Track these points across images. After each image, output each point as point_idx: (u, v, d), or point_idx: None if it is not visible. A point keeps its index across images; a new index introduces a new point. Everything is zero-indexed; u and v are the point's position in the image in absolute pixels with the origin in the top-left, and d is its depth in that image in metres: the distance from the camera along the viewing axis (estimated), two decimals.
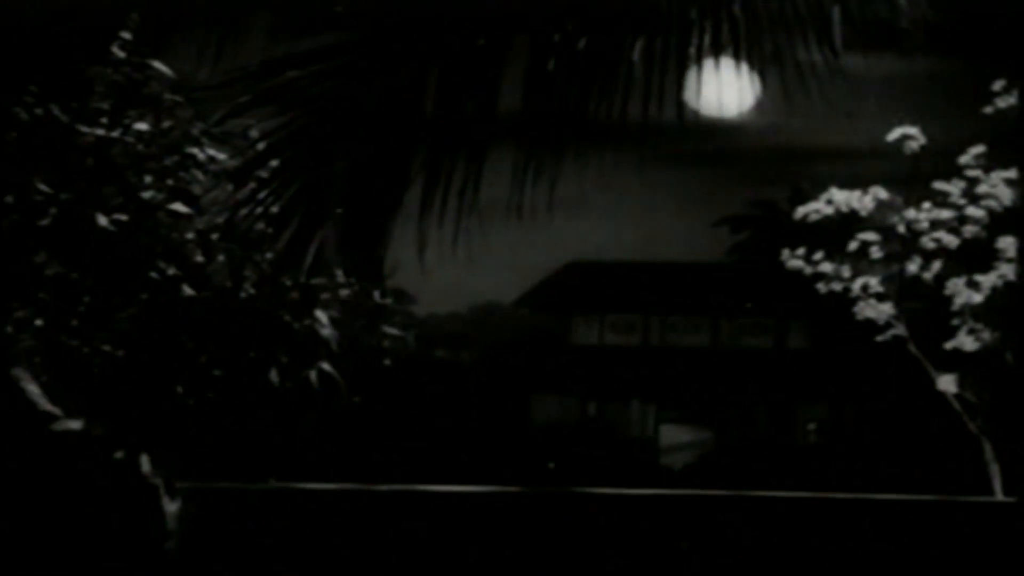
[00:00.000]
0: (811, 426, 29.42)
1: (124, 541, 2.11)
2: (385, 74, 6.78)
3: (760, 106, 6.81)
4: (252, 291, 11.22)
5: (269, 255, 11.00)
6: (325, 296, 11.03)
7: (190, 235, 10.10)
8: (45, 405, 2.12)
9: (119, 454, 2.12)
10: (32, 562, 2.10)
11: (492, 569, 4.23)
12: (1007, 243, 5.88)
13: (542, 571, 4.23)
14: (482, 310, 34.48)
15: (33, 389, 2.14)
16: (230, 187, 9.94)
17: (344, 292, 12.25)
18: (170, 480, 2.12)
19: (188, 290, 10.27)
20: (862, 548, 4.24)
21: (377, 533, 4.30)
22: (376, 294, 12.37)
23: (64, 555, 2.11)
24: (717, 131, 7.34)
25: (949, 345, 6.12)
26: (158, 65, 9.04)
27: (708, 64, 6.71)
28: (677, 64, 6.74)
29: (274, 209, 7.27)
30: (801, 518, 4.40)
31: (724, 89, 6.71)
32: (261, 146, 7.98)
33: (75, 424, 2.13)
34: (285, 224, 7.07)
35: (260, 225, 9.35)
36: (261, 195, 7.64)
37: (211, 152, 9.73)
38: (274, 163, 7.10)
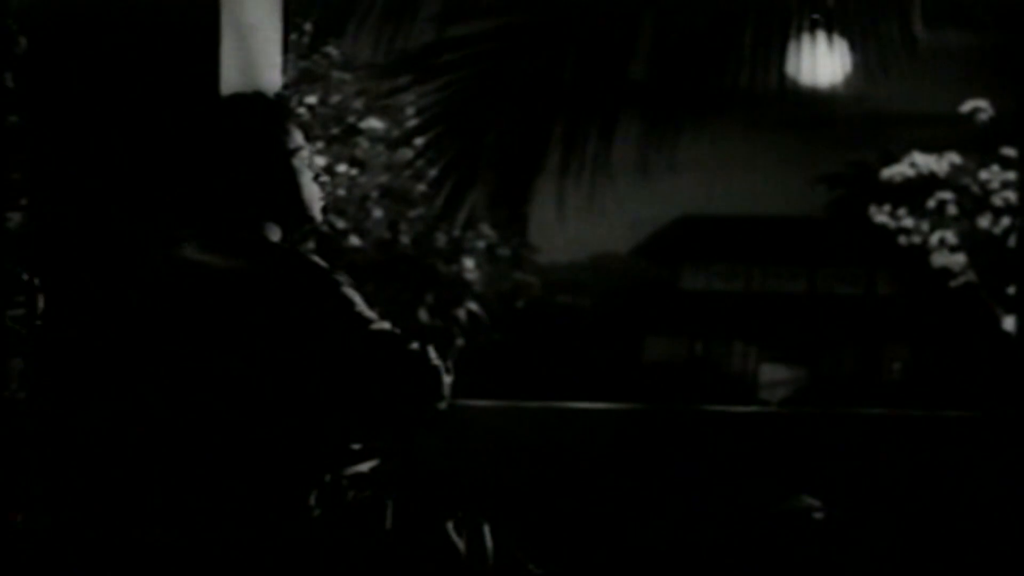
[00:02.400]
0: (896, 364, 29.32)
1: (421, 401, 2.64)
2: (529, 55, 7.13)
3: (852, 76, 7.06)
4: (407, 242, 11.74)
5: (421, 211, 11.49)
6: (471, 246, 11.53)
7: (356, 193, 10.62)
8: (367, 312, 2.60)
9: (415, 345, 2.62)
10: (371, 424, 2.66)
11: (619, 468, 4.54)
12: None
13: (662, 469, 4.56)
14: (600, 259, 34.54)
15: (359, 300, 2.61)
16: (389, 153, 10.38)
17: (482, 243, 12.70)
18: (447, 362, 2.60)
19: (355, 240, 10.81)
20: (933, 455, 4.52)
21: (524, 440, 4.65)
22: (512, 245, 12.82)
23: (388, 414, 2.65)
24: (815, 99, 7.59)
25: (1011, 290, 6.34)
26: (329, 48, 9.51)
27: (806, 40, 6.98)
28: (780, 41, 7.02)
29: (432, 173, 7.67)
30: (882, 432, 4.68)
31: (820, 62, 6.98)
32: (414, 119, 8.35)
33: (385, 324, 2.60)
34: (441, 186, 7.49)
35: (418, 186, 9.73)
36: (419, 161, 8.03)
37: (373, 123, 10.23)
38: (431, 133, 7.49)
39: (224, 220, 2.69)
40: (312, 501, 2.55)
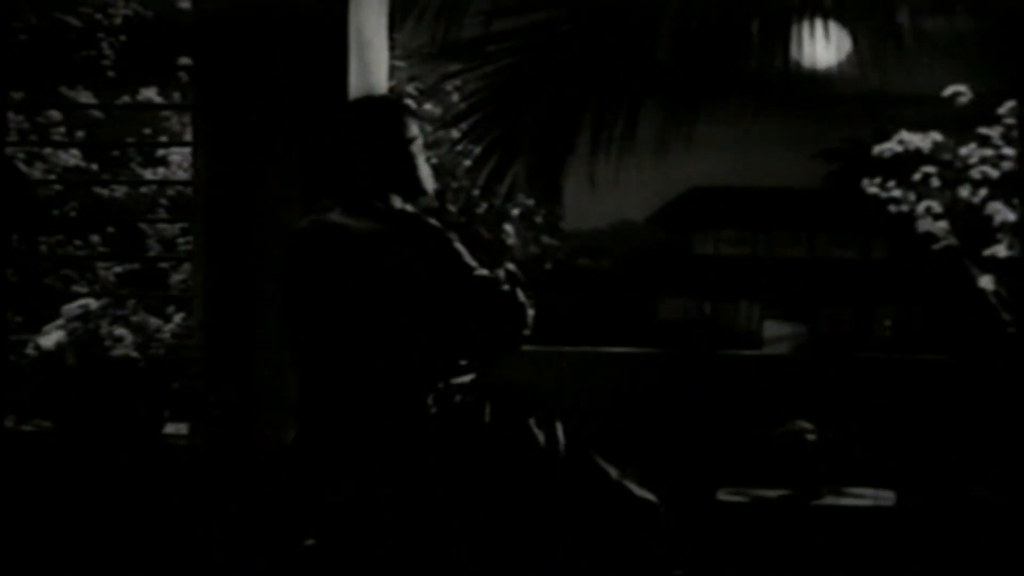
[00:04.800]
0: (887, 322, 29.37)
1: (511, 328, 3.06)
2: (563, 47, 7.40)
3: (848, 61, 7.27)
4: (453, 210, 12.05)
5: (465, 183, 11.73)
6: (508, 214, 11.79)
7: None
8: (471, 261, 3.05)
9: (506, 287, 3.04)
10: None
11: (645, 400, 4.80)
12: None
13: (682, 401, 4.81)
14: (619, 227, 34.59)
15: (465, 252, 3.04)
16: (437, 132, 10.58)
17: (517, 211, 12.92)
18: (530, 300, 3.04)
19: (407, 208, 11.08)
20: (910, 390, 4.76)
21: (560, 377, 4.85)
22: (543, 213, 13.01)
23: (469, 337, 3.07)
24: (815, 81, 7.78)
25: (987, 252, 6.49)
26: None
27: (807, 29, 7.20)
28: (783, 31, 7.25)
29: (476, 150, 7.94)
30: (867, 372, 4.93)
31: (819, 48, 7.20)
32: (458, 102, 8.57)
33: (485, 271, 3.03)
34: (485, 162, 7.77)
35: (464, 162, 9.97)
36: (465, 140, 8.27)
37: (426, 106, 10.49)
38: (476, 116, 7.74)
39: (361, 192, 3.13)
40: (430, 402, 2.97)
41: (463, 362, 3.09)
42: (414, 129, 3.28)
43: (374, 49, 4.06)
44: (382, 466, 2.94)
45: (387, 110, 3.26)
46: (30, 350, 3.27)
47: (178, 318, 3.87)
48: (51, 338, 3.24)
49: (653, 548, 3.03)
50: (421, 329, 3.00)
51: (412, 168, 3.27)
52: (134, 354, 3.31)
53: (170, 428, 3.52)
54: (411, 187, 3.28)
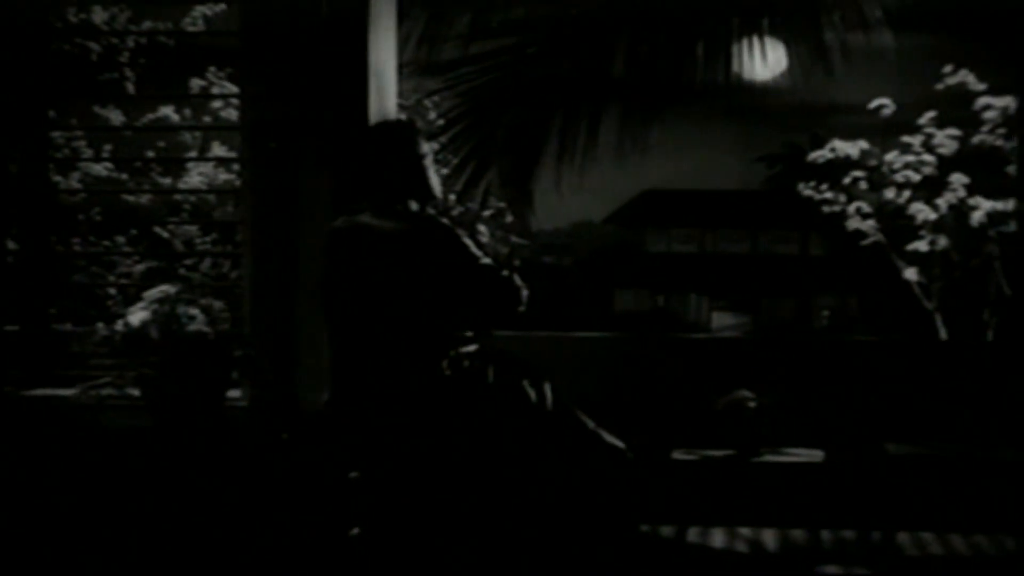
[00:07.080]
0: (825, 312, 29.69)
1: (509, 307, 3.37)
2: (531, 67, 7.67)
3: (785, 74, 7.54)
4: (432, 212, 12.33)
5: (442, 189, 11.97)
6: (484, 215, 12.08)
7: None
8: (476, 251, 3.37)
9: (505, 272, 3.37)
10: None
11: (610, 376, 4.87)
12: (954, 178, 6.47)
13: (642, 377, 4.87)
14: (578, 226, 34.83)
15: (471, 244, 3.34)
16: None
17: (488, 212, 13.17)
18: (526, 283, 3.39)
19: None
20: (839, 365, 4.85)
21: (535, 359, 5.06)
22: (510, 215, 13.27)
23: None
24: (755, 92, 8.05)
25: (910, 247, 6.63)
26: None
27: (747, 45, 7.48)
28: (725, 48, 7.54)
29: (455, 160, 8.21)
30: (802, 351, 5.03)
31: (758, 63, 7.47)
32: (434, 116, 8.80)
33: (488, 260, 3.36)
34: (462, 170, 8.04)
35: (441, 170, 10.16)
36: (443, 151, 8.52)
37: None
38: (454, 130, 7.99)
39: (384, 198, 3.48)
40: (444, 366, 3.33)
41: (470, 333, 3.46)
42: (424, 146, 3.64)
43: (385, 76, 4.39)
44: (407, 418, 3.31)
45: (403, 132, 3.63)
46: (119, 327, 3.65)
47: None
48: (137, 317, 3.61)
49: (620, 485, 3.40)
50: (437, 307, 3.36)
51: (424, 178, 3.63)
52: (206, 329, 3.68)
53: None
54: (424, 193, 3.64)
